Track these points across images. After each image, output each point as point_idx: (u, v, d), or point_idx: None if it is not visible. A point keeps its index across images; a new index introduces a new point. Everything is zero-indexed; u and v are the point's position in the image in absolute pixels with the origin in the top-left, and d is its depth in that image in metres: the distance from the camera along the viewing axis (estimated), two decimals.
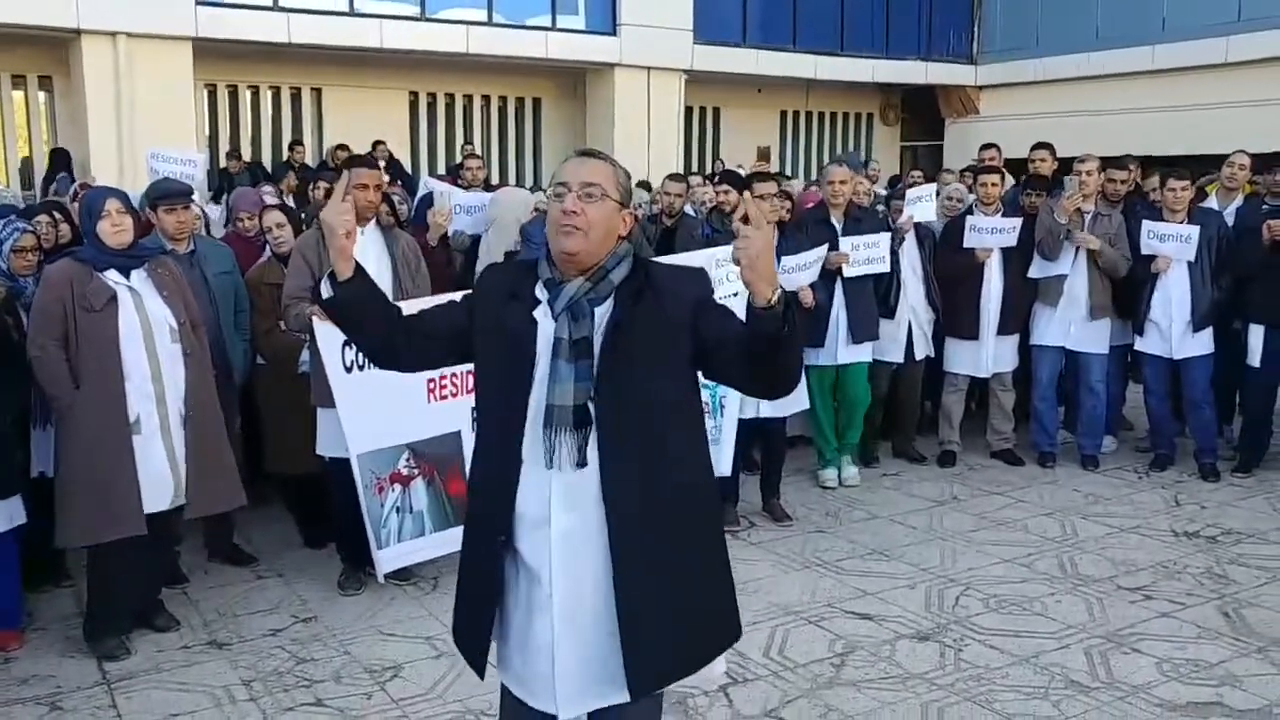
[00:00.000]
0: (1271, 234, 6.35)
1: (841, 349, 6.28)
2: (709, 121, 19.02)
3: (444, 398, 4.89)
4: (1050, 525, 5.87)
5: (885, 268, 6.40)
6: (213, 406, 4.46)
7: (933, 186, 7.40)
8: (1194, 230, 6.42)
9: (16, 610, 4.46)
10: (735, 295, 5.43)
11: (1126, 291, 6.72)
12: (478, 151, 14.04)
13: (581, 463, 2.33)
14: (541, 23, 15.61)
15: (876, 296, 6.47)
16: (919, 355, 6.90)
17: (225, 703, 3.93)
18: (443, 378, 4.86)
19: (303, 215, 6.68)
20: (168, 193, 5.08)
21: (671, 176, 7.34)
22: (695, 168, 17.16)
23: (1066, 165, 7.06)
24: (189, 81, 13.36)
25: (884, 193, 9.23)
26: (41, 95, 14.28)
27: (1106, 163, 6.86)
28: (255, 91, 15.63)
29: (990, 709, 3.86)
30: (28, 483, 4.46)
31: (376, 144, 13.20)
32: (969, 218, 6.79)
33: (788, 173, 17.19)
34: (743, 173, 8.10)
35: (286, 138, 15.28)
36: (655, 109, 16.42)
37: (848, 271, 6.19)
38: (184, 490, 4.31)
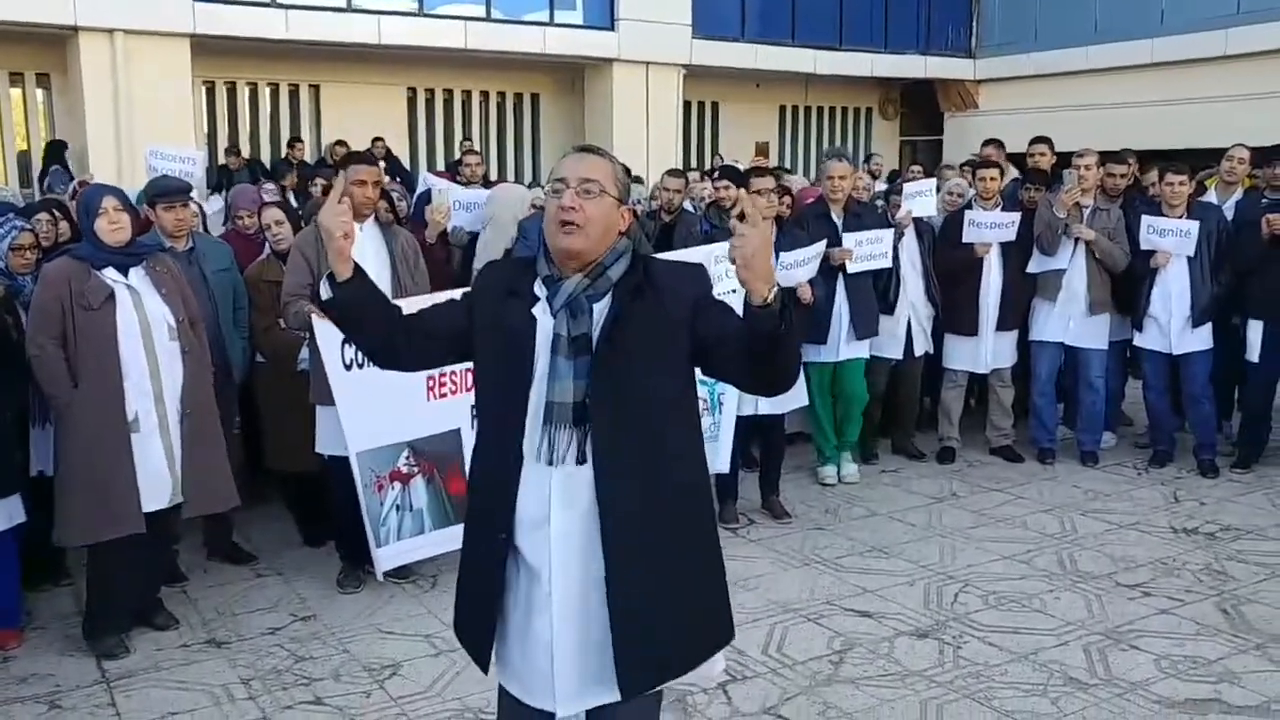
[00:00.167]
0: (1271, 228, 6.34)
1: (843, 346, 6.27)
2: (708, 116, 19.01)
3: (443, 395, 4.89)
4: (1049, 522, 5.87)
5: (887, 264, 6.39)
6: (211, 405, 4.46)
7: (932, 181, 7.39)
8: (1193, 225, 6.41)
9: (16, 609, 4.46)
10: (734, 291, 5.40)
11: (1125, 286, 6.71)
12: (476, 147, 14.03)
13: (581, 459, 2.33)
14: (539, 18, 15.60)
15: (876, 292, 6.47)
16: (918, 351, 6.89)
17: (224, 701, 3.93)
18: (442, 375, 4.85)
19: (301, 212, 6.68)
20: (166, 190, 5.08)
21: (670, 172, 7.33)
22: (694, 163, 17.16)
23: (1065, 159, 7.05)
24: (187, 78, 13.35)
25: (884, 188, 9.22)
26: (39, 93, 14.27)
27: (1105, 157, 6.85)
28: (253, 88, 15.61)
29: (989, 706, 3.86)
30: (27, 481, 4.46)
31: (375, 140, 13.19)
32: (968, 213, 6.78)
33: (787, 166, 17.20)
34: (741, 168, 8.09)
35: (285, 135, 15.26)
36: (654, 104, 16.41)
37: (850, 268, 6.18)
38: (182, 489, 4.31)
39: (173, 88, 13.07)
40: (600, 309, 2.37)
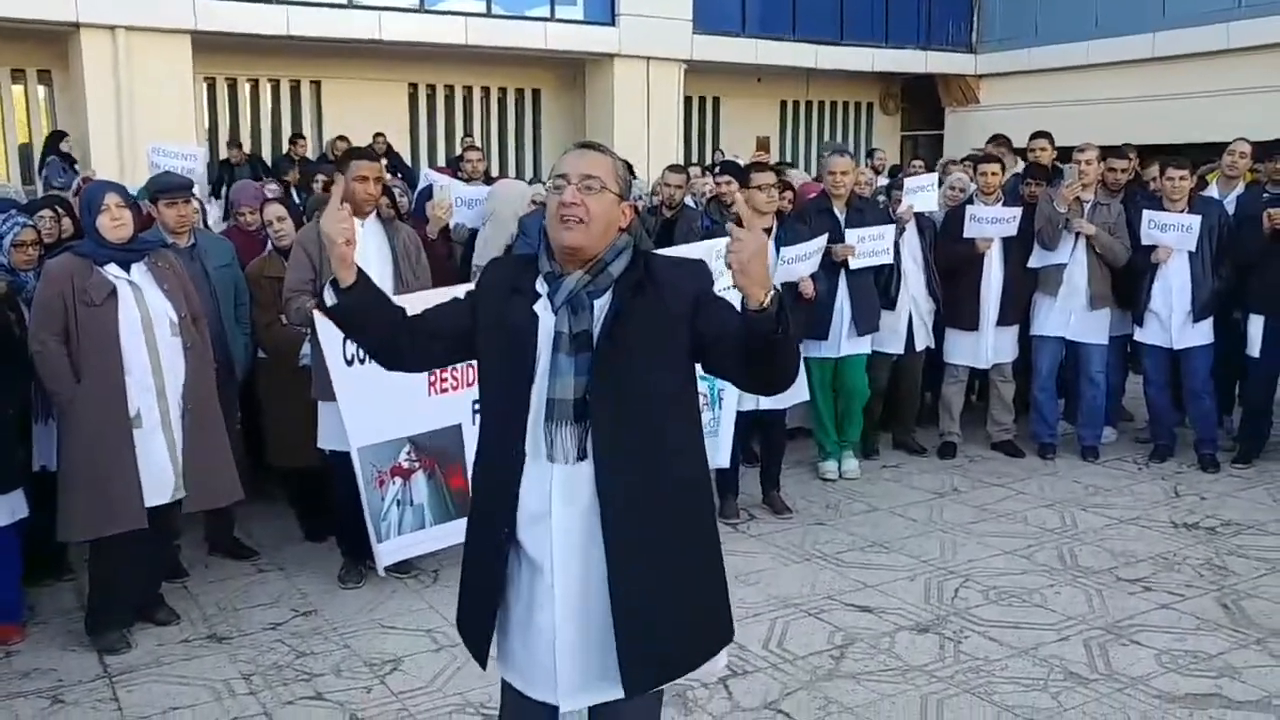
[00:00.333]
0: (1272, 223, 6.33)
1: (845, 341, 6.27)
2: (709, 111, 19.02)
3: (444, 391, 4.89)
4: (1050, 517, 5.87)
5: (889, 259, 6.39)
6: (213, 400, 4.47)
7: (933, 176, 7.38)
8: (1195, 219, 6.41)
9: (18, 604, 4.47)
10: (734, 287, 5.43)
11: (1126, 281, 6.71)
12: (477, 143, 14.03)
13: (582, 455, 2.34)
14: (540, 13, 15.60)
15: (877, 288, 6.47)
16: (919, 346, 6.89)
17: (225, 696, 3.94)
18: (443, 371, 4.85)
19: (303, 209, 6.69)
20: (168, 186, 5.09)
21: (672, 168, 7.33)
22: (695, 158, 17.17)
23: (1066, 154, 7.05)
24: (188, 75, 13.36)
25: (885, 183, 9.22)
26: (41, 89, 14.29)
27: (1106, 152, 6.84)
28: (254, 84, 15.63)
29: (989, 701, 3.86)
30: (29, 477, 4.46)
31: (376, 136, 13.19)
32: (969, 207, 6.77)
33: (784, 162, 17.18)
34: (742, 163, 8.09)
35: (286, 131, 15.28)
36: (655, 99, 16.41)
37: (853, 264, 6.18)
38: (184, 484, 4.31)
39: (174, 84, 13.09)
40: (601, 305, 2.38)
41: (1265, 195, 6.77)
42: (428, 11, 14.74)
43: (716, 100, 18.94)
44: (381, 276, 4.89)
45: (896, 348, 6.78)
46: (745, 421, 5.86)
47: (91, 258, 4.20)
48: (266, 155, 14.83)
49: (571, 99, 17.27)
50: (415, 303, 2.70)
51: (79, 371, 4.13)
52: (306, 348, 5.05)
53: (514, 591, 2.47)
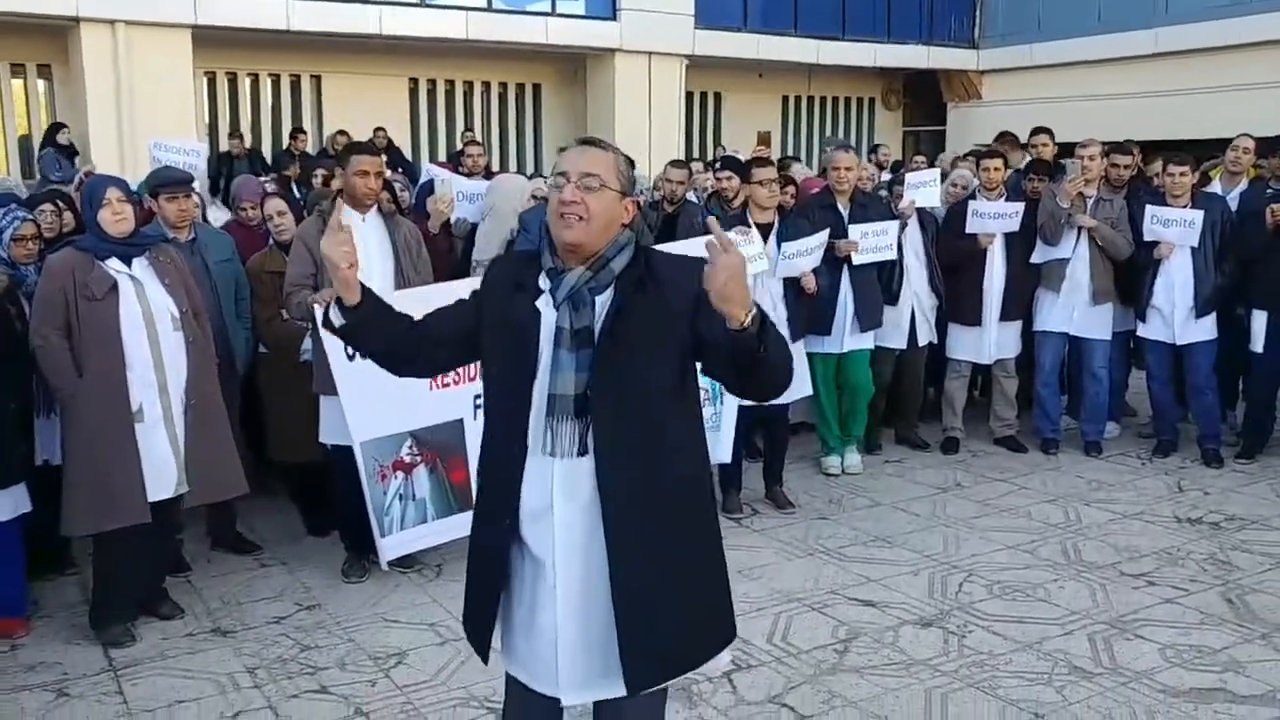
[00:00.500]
0: (1275, 218, 6.33)
1: (848, 337, 6.27)
2: (710, 107, 18.98)
3: (446, 386, 4.88)
4: (1053, 512, 5.87)
5: (893, 255, 6.38)
6: (215, 394, 4.47)
7: (936, 171, 7.38)
8: (1198, 215, 6.40)
9: (22, 598, 4.47)
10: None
11: (1129, 276, 6.70)
12: (478, 138, 14.01)
13: (582, 451, 2.34)
14: (541, 8, 15.57)
15: (880, 283, 6.46)
16: (922, 341, 6.88)
17: (230, 690, 3.94)
18: None
19: (303, 203, 6.67)
20: (169, 181, 5.08)
21: (674, 164, 7.31)
22: (696, 153, 17.13)
23: (1068, 150, 7.04)
24: (188, 69, 13.34)
25: (887, 178, 9.20)
26: (41, 84, 14.26)
27: (1109, 147, 6.83)
28: (255, 79, 15.60)
29: (994, 695, 3.86)
30: (32, 471, 4.46)
31: (376, 131, 13.17)
32: (971, 203, 6.76)
33: (789, 156, 17.16)
34: (743, 159, 8.07)
35: (286, 125, 15.26)
36: (656, 94, 16.38)
37: (856, 259, 6.17)
38: (186, 478, 4.31)
39: (174, 78, 13.07)
40: (603, 301, 2.37)
41: (1268, 191, 6.76)
42: (428, 6, 14.71)
43: (718, 95, 18.91)
44: (383, 272, 4.88)
45: (899, 343, 6.77)
46: (748, 416, 5.85)
47: (93, 252, 4.20)
48: (267, 150, 14.81)
49: (572, 94, 17.25)
50: (417, 298, 2.69)
51: (81, 366, 4.13)
52: (307, 343, 5.04)
53: (517, 587, 2.47)
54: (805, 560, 5.20)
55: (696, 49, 16.56)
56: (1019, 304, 6.87)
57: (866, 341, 6.40)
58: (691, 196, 7.62)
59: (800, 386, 5.96)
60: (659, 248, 2.76)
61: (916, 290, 6.76)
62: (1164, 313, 6.60)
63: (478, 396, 4.87)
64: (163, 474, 4.26)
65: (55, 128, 12.58)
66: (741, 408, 5.69)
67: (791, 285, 5.77)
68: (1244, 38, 15.13)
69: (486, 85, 17.16)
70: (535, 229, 5.92)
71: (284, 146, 13.97)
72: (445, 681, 3.98)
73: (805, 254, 5.75)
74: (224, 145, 13.99)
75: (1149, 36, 16.31)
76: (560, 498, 2.36)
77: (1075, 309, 6.71)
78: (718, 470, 5.80)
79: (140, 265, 4.29)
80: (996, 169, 6.85)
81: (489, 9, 15.12)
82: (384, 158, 5.71)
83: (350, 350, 4.59)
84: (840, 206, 6.29)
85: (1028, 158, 8.24)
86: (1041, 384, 6.98)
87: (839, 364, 6.36)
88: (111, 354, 4.14)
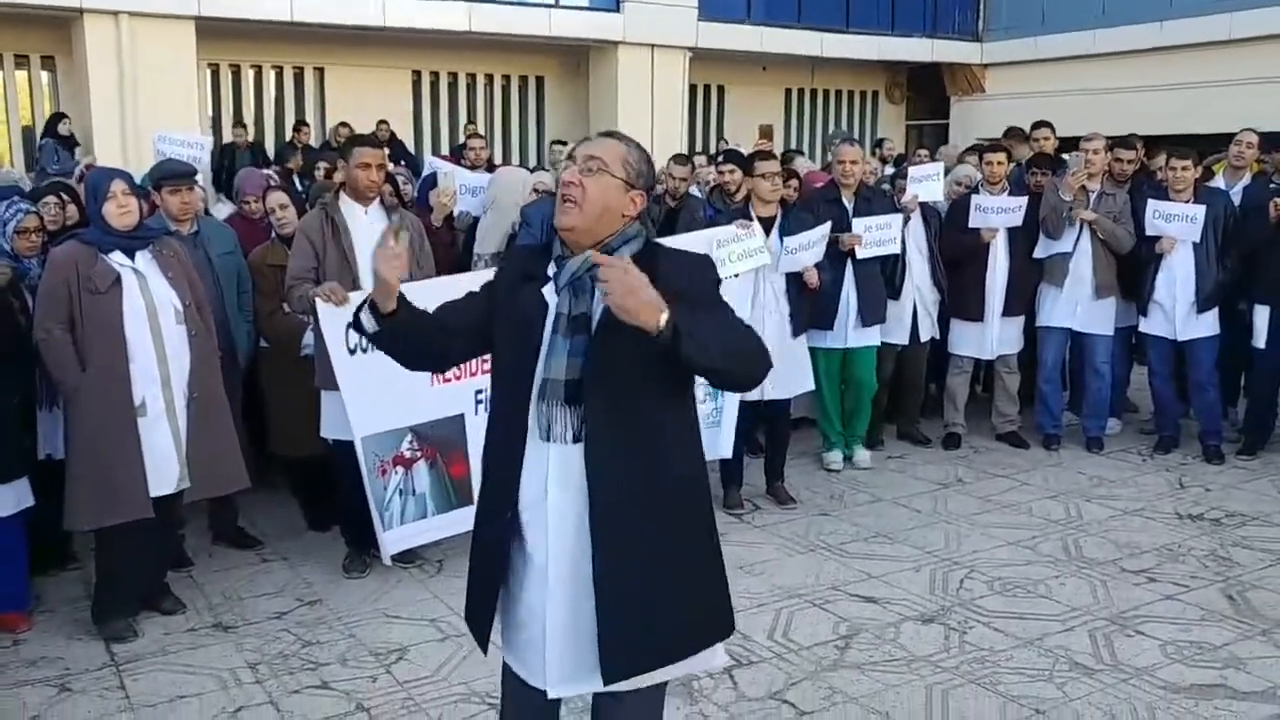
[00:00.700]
0: (1278, 213, 6.31)
1: (851, 332, 6.26)
2: (713, 100, 18.95)
3: (447, 380, 4.87)
4: (1054, 508, 5.87)
5: (896, 249, 6.37)
6: (218, 388, 4.47)
7: (939, 165, 7.36)
8: (1200, 210, 6.38)
9: (24, 593, 4.47)
10: (736, 277, 5.42)
11: (1131, 271, 6.69)
12: (481, 131, 14.00)
13: (576, 438, 2.35)
14: (544, 0, 15.53)
15: (882, 277, 6.45)
16: (924, 337, 6.87)
17: (231, 685, 3.94)
18: None
19: (305, 196, 6.67)
20: (172, 174, 5.08)
21: (677, 160, 7.28)
22: (699, 146, 17.12)
23: (1072, 144, 7.02)
24: (192, 61, 13.33)
25: (890, 172, 9.20)
26: (44, 75, 14.26)
27: (1112, 142, 6.82)
28: (258, 71, 15.60)
29: (994, 691, 3.87)
30: (34, 465, 4.46)
31: (379, 124, 13.17)
32: (974, 197, 6.75)
33: (793, 149, 17.13)
34: (745, 152, 8.06)
35: (289, 117, 15.26)
36: (659, 87, 16.36)
37: (860, 254, 6.16)
38: (188, 472, 4.31)
39: (177, 70, 13.07)
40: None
41: (1271, 185, 6.75)
42: None
43: (721, 88, 18.87)
44: None
45: (901, 338, 6.76)
46: (749, 412, 5.85)
47: (96, 245, 4.19)
48: (270, 142, 14.80)
49: (575, 87, 17.22)
50: (420, 291, 2.70)
51: (84, 360, 4.13)
52: (309, 338, 5.04)
53: (514, 577, 2.48)
54: (806, 556, 5.20)
55: (700, 41, 16.52)
56: (1022, 299, 6.86)
57: (873, 338, 6.39)
58: (694, 190, 7.61)
59: (802, 382, 5.97)
60: (663, 241, 2.76)
61: (919, 285, 6.75)
62: (1165, 308, 6.59)
63: (479, 391, 4.87)
64: (165, 468, 4.26)
65: (56, 118, 12.58)
66: (743, 403, 5.69)
67: (794, 280, 5.76)
68: (1248, 32, 15.09)
69: (489, 78, 17.14)
70: (537, 223, 5.92)
71: (287, 139, 13.97)
72: (446, 677, 3.98)
73: (807, 248, 5.73)
74: (227, 137, 13.97)
75: (1152, 30, 16.27)
76: (554, 486, 2.37)
77: (1078, 304, 6.70)
78: (719, 466, 5.81)
79: (143, 258, 4.29)
80: (1000, 163, 6.83)
81: (492, 1, 15.09)
82: (386, 150, 5.72)
83: (352, 345, 4.60)
84: (845, 200, 6.28)
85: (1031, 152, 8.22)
86: (1044, 380, 6.97)
87: (843, 360, 6.36)
88: (114, 348, 4.14)
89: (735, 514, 5.75)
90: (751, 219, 5.67)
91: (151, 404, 4.22)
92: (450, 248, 6.66)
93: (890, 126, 20.27)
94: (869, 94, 20.68)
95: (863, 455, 6.62)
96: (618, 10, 15.93)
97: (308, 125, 14.13)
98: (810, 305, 5.92)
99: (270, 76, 15.69)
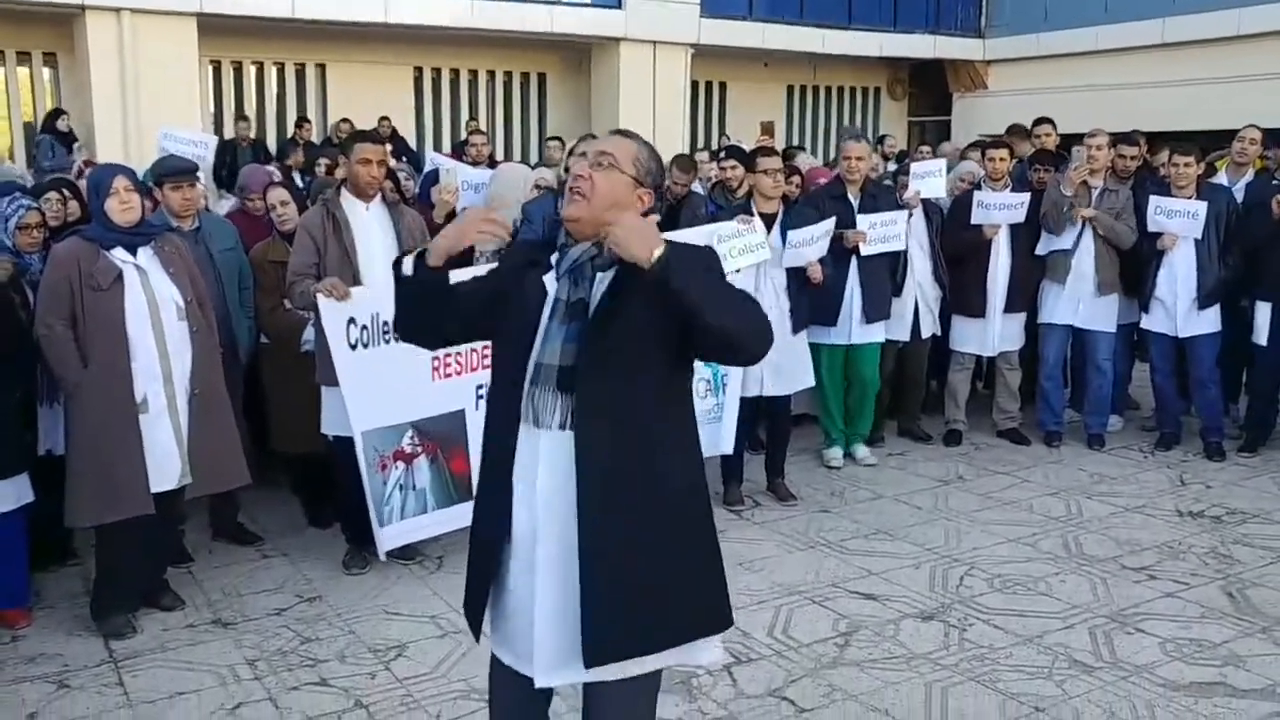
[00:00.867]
0: None
1: (855, 328, 6.26)
2: (715, 96, 18.93)
3: (448, 376, 4.88)
4: (1055, 505, 5.86)
5: (901, 246, 6.36)
6: (219, 384, 4.47)
7: (941, 162, 7.35)
8: (1201, 206, 6.37)
9: (24, 589, 4.47)
10: (738, 272, 5.41)
11: (1133, 268, 6.68)
12: (482, 127, 13.99)
13: (564, 425, 2.35)
14: None
15: (888, 273, 6.43)
16: (925, 333, 6.86)
17: (230, 681, 3.94)
18: (447, 356, 4.85)
19: (306, 192, 6.67)
20: (174, 170, 5.07)
21: (679, 163, 7.22)
22: (701, 143, 17.10)
23: (1073, 141, 7.01)
24: (193, 57, 13.33)
25: (893, 168, 9.18)
26: (46, 71, 14.25)
27: (1115, 138, 6.80)
28: (260, 67, 15.59)
29: (994, 689, 3.86)
30: (34, 461, 4.46)
31: (381, 120, 13.15)
32: (977, 194, 6.74)
33: (795, 146, 17.10)
34: (746, 148, 8.04)
35: (291, 114, 15.26)
36: (661, 84, 16.34)
37: (865, 250, 6.16)
38: (190, 468, 4.31)
39: (179, 67, 13.06)
40: (604, 279, 2.41)
41: (1274, 182, 6.75)
42: None
43: (723, 85, 18.85)
44: (386, 261, 4.83)
45: (902, 334, 6.75)
46: (750, 408, 5.85)
47: (98, 242, 4.19)
48: (271, 139, 14.80)
49: (577, 83, 17.21)
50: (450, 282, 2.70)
51: (85, 356, 4.13)
52: (309, 333, 5.04)
53: (505, 564, 2.48)
54: (806, 553, 5.20)
55: (702, 38, 16.50)
56: (1023, 296, 6.85)
57: (877, 334, 6.38)
58: (696, 187, 7.60)
59: (802, 378, 5.96)
60: (667, 235, 2.76)
61: (920, 281, 6.74)
62: (1167, 305, 6.58)
63: (479, 387, 4.87)
64: (166, 465, 4.26)
65: (54, 114, 12.58)
66: (743, 399, 5.69)
67: (794, 276, 5.75)
68: (1251, 28, 15.05)
69: (491, 74, 17.13)
70: (538, 219, 5.91)
71: (288, 135, 13.96)
72: (446, 674, 3.98)
73: (811, 243, 5.72)
74: (228, 133, 13.97)
75: (1155, 27, 16.23)
76: (544, 472, 2.37)
77: (1080, 301, 6.69)
78: (720, 462, 5.81)
79: (145, 255, 4.29)
80: (1002, 159, 6.81)
81: None
82: (388, 146, 5.71)
83: (352, 340, 4.60)
84: (851, 196, 6.27)
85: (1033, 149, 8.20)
86: (1045, 377, 6.97)
87: (846, 356, 6.35)
88: (116, 344, 4.14)
89: (735, 510, 5.74)
90: (753, 215, 5.66)
91: (153, 400, 4.22)
92: None
93: (892, 123, 20.24)
94: (871, 90, 20.65)
95: (863, 452, 6.62)
96: (619, 7, 15.91)
97: (309, 121, 14.12)
98: (811, 301, 5.92)
99: (272, 73, 15.68)
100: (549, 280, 2.45)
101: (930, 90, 20.19)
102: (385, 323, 4.58)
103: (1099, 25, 16.91)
